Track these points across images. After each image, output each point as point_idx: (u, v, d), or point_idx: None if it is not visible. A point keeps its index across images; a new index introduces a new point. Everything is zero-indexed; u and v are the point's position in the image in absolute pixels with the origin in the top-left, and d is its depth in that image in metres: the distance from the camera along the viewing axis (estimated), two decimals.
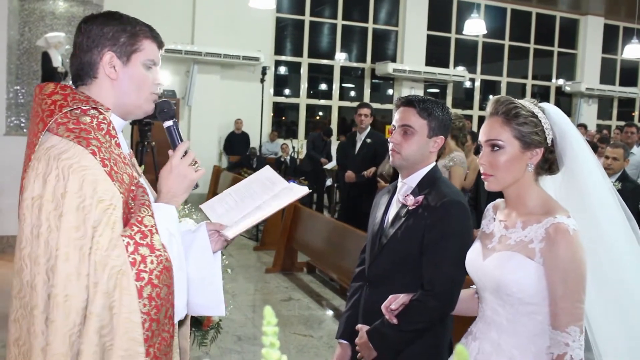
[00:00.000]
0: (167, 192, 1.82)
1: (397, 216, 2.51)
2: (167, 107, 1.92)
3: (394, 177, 6.07)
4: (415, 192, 2.48)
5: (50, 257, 1.57)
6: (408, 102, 2.54)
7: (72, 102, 1.70)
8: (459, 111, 15.22)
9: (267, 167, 2.25)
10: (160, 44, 1.86)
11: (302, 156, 13.90)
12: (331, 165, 10.59)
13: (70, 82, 1.85)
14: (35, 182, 1.61)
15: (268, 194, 2.09)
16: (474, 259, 2.08)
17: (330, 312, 6.39)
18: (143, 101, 1.83)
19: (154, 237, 1.65)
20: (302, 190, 2.09)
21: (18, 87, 8.66)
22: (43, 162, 1.62)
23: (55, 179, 1.59)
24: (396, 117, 2.55)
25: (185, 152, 1.86)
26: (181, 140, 1.92)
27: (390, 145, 2.54)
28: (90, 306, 1.56)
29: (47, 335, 1.56)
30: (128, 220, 1.65)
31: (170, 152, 1.87)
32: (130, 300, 1.58)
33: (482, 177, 2.03)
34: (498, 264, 1.96)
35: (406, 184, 2.54)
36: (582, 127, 13.68)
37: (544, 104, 2.03)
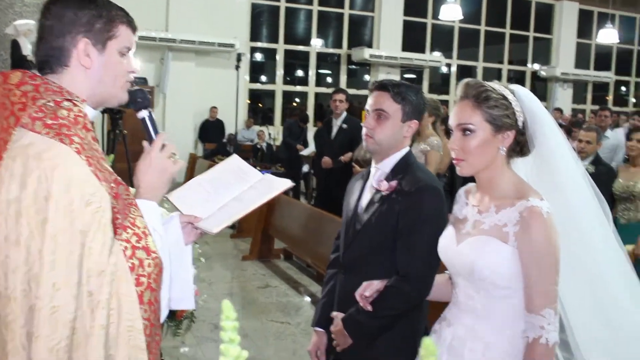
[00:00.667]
0: (147, 186, 1.73)
1: (371, 202, 2.49)
2: (141, 96, 1.80)
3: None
4: (389, 178, 2.46)
5: (32, 266, 1.42)
6: (382, 86, 2.50)
7: (45, 94, 1.54)
8: (435, 96, 15.24)
9: (235, 155, 2.18)
10: (134, 29, 1.72)
11: (278, 143, 13.84)
12: (308, 151, 10.55)
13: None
14: (11, 184, 1.45)
15: (243, 184, 2.02)
16: (447, 244, 2.07)
17: (307, 299, 6.38)
18: (118, 90, 1.70)
19: (148, 239, 1.57)
20: (286, 184, 2.04)
21: None
22: (19, 162, 1.47)
23: (37, 180, 1.44)
24: (370, 101, 2.52)
25: (163, 145, 1.77)
26: (157, 131, 1.81)
27: (364, 130, 2.51)
28: (89, 319, 1.44)
29: (30, 351, 1.41)
30: (115, 220, 1.54)
31: (145, 143, 1.77)
32: (132, 307, 1.50)
33: (454, 162, 2.00)
34: (472, 249, 1.94)
35: (380, 169, 2.51)
36: (557, 111, 13.79)
37: (513, 86, 2.01)
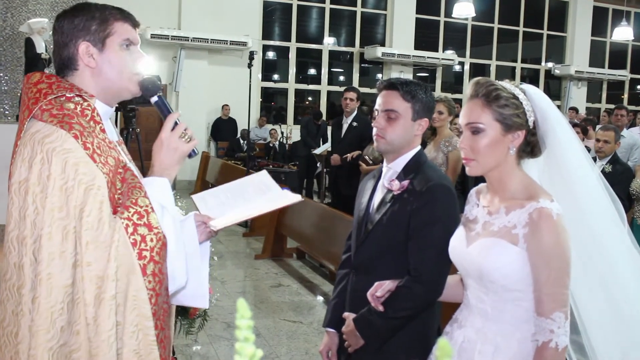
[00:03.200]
0: (159, 165, 1.85)
1: (382, 202, 2.47)
2: (149, 83, 1.91)
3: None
4: (400, 177, 2.44)
5: (36, 238, 1.61)
6: (391, 85, 2.48)
7: (56, 90, 1.74)
8: (448, 95, 15.19)
9: (264, 171, 2.28)
10: (134, 23, 1.87)
11: (291, 141, 13.85)
12: (320, 150, 10.53)
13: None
14: (22, 167, 1.65)
15: (261, 197, 2.12)
16: (458, 245, 2.05)
17: (320, 298, 6.37)
18: (127, 82, 1.84)
19: (150, 216, 1.71)
20: (295, 198, 2.13)
21: (1, 74, 8.55)
22: (28, 147, 1.66)
23: (41, 162, 1.63)
24: (379, 101, 2.50)
25: (176, 124, 1.88)
26: (170, 111, 1.92)
27: (375, 130, 2.50)
28: (90, 286, 1.61)
29: (33, 312, 1.61)
30: (116, 200, 1.70)
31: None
32: (136, 279, 1.66)
33: (463, 161, 1.99)
34: (481, 251, 1.92)
35: (391, 169, 2.50)
36: (572, 110, 13.67)
37: (524, 85, 1.98)
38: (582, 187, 2.00)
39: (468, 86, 1.99)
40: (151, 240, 1.69)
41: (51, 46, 8.63)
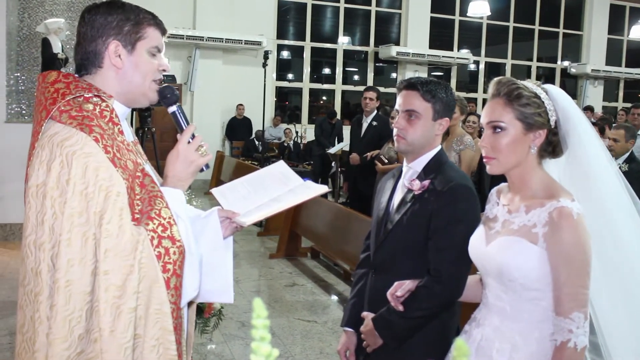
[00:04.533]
0: (173, 176, 1.84)
1: (402, 201, 2.46)
2: (169, 92, 1.91)
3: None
4: (421, 177, 2.43)
5: (55, 244, 1.58)
6: (411, 85, 2.46)
7: (74, 90, 1.70)
8: (463, 94, 15.13)
9: (281, 162, 2.27)
10: (163, 31, 1.87)
11: (305, 141, 13.85)
12: (335, 149, 10.53)
13: (73, 71, 1.86)
14: (40, 170, 1.62)
15: (283, 188, 2.10)
16: (477, 244, 2.04)
17: (334, 298, 6.36)
18: (148, 89, 1.83)
19: (173, 229, 1.69)
20: (321, 188, 2.10)
21: (18, 74, 8.61)
22: (47, 150, 1.62)
23: (60, 165, 1.59)
24: (399, 101, 2.48)
25: (193, 136, 1.88)
26: (187, 123, 1.92)
27: (395, 131, 2.48)
28: (106, 294, 1.57)
29: (50, 319, 1.57)
30: (134, 206, 1.67)
31: (179, 135, 1.89)
32: (160, 292, 1.63)
33: (484, 160, 1.98)
34: (501, 249, 1.92)
35: (412, 169, 2.48)
36: (588, 110, 13.56)
37: (546, 85, 1.98)
38: (603, 187, 1.98)
39: (490, 85, 1.99)
40: (174, 253, 1.67)
41: (68, 46, 8.70)
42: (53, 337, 1.56)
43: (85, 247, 1.57)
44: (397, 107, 2.49)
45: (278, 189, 2.09)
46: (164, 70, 1.86)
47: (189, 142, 1.86)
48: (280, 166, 2.22)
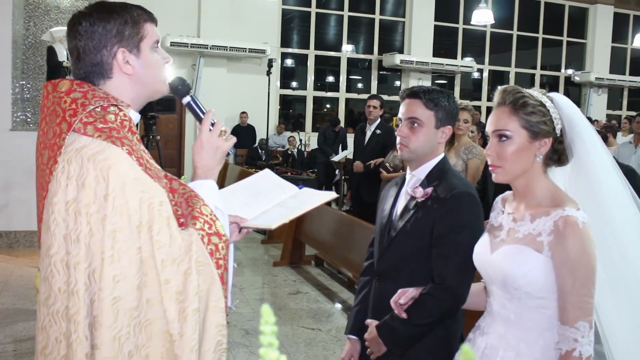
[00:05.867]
0: (202, 166, 1.82)
1: (405, 208, 2.47)
2: (180, 83, 1.88)
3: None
4: (424, 184, 2.44)
5: (92, 261, 1.53)
6: (413, 93, 2.48)
7: (93, 100, 1.63)
8: (468, 102, 15.13)
9: (267, 169, 2.26)
10: (155, 21, 1.80)
11: (309, 149, 13.86)
12: (338, 157, 10.53)
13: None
14: (69, 186, 1.55)
15: (281, 194, 2.09)
16: (482, 252, 2.04)
17: (338, 305, 6.36)
18: (160, 84, 1.80)
19: (217, 224, 1.68)
20: (330, 195, 2.10)
21: (24, 82, 8.65)
22: (75, 164, 1.56)
23: (95, 181, 1.54)
24: (402, 109, 2.50)
25: (213, 123, 1.84)
26: (203, 112, 1.88)
27: (398, 139, 2.49)
28: (171, 304, 1.57)
29: (94, 338, 1.53)
30: (175, 212, 1.64)
31: (197, 125, 1.87)
32: (216, 289, 1.64)
33: (489, 168, 1.99)
34: (505, 257, 1.92)
35: (415, 176, 2.49)
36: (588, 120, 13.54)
37: (552, 94, 1.98)
38: (609, 196, 1.98)
39: (495, 94, 1.99)
40: (222, 248, 1.67)
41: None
42: (102, 356, 1.52)
43: (130, 262, 1.54)
44: (399, 115, 2.51)
45: (275, 195, 2.08)
46: (168, 61, 1.81)
47: (209, 129, 1.83)
48: (269, 173, 2.20)
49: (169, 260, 1.57)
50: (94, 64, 1.69)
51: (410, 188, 2.47)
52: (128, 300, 1.54)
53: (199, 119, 1.87)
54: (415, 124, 2.44)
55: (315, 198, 2.06)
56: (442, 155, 2.52)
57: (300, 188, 2.14)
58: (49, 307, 1.57)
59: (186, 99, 1.89)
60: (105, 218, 1.52)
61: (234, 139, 1.88)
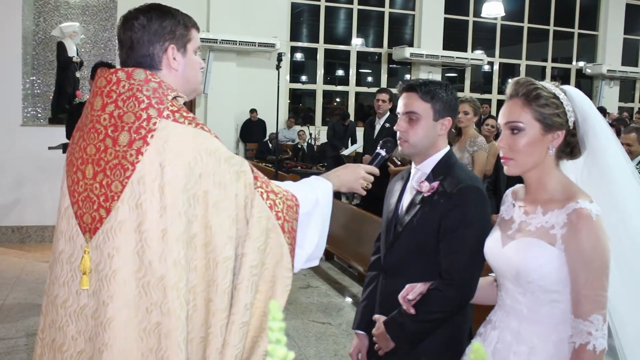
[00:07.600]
0: (336, 173, 2.19)
1: (411, 203, 2.45)
2: (394, 145, 2.47)
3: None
4: (429, 178, 2.41)
5: (232, 259, 1.77)
6: (409, 87, 2.46)
7: (167, 90, 1.79)
8: (477, 95, 15.07)
9: None
10: (199, 30, 2.00)
11: (319, 143, 13.85)
12: (348, 151, 10.52)
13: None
14: (166, 167, 1.69)
15: None
16: (493, 246, 2.03)
17: (349, 300, 6.36)
18: (198, 84, 1.97)
19: (271, 184, 1.92)
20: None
21: (34, 78, 8.68)
22: (174, 147, 1.71)
23: (203, 164, 1.73)
24: (400, 103, 2.48)
25: (375, 167, 2.29)
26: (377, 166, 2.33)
27: (398, 134, 2.48)
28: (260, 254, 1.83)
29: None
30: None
31: (365, 157, 2.14)
32: (278, 235, 1.87)
33: (501, 160, 1.97)
34: (518, 251, 1.90)
35: (420, 170, 2.47)
36: (600, 111, 13.44)
37: (565, 87, 1.96)
38: (622, 189, 1.96)
39: (508, 86, 1.98)
40: (278, 203, 1.88)
41: (82, 49, 8.75)
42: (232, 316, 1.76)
43: (232, 225, 1.79)
44: (398, 109, 2.49)
45: None
46: (202, 67, 1.98)
47: (372, 165, 2.28)
48: None
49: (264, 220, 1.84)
50: (145, 55, 1.84)
51: (415, 182, 2.45)
52: (244, 317, 1.79)
53: (371, 163, 2.33)
54: (413, 118, 2.42)
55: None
56: (448, 148, 2.49)
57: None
58: (139, 279, 1.68)
59: (381, 152, 2.40)
60: (207, 193, 1.73)
61: (363, 192, 2.26)
